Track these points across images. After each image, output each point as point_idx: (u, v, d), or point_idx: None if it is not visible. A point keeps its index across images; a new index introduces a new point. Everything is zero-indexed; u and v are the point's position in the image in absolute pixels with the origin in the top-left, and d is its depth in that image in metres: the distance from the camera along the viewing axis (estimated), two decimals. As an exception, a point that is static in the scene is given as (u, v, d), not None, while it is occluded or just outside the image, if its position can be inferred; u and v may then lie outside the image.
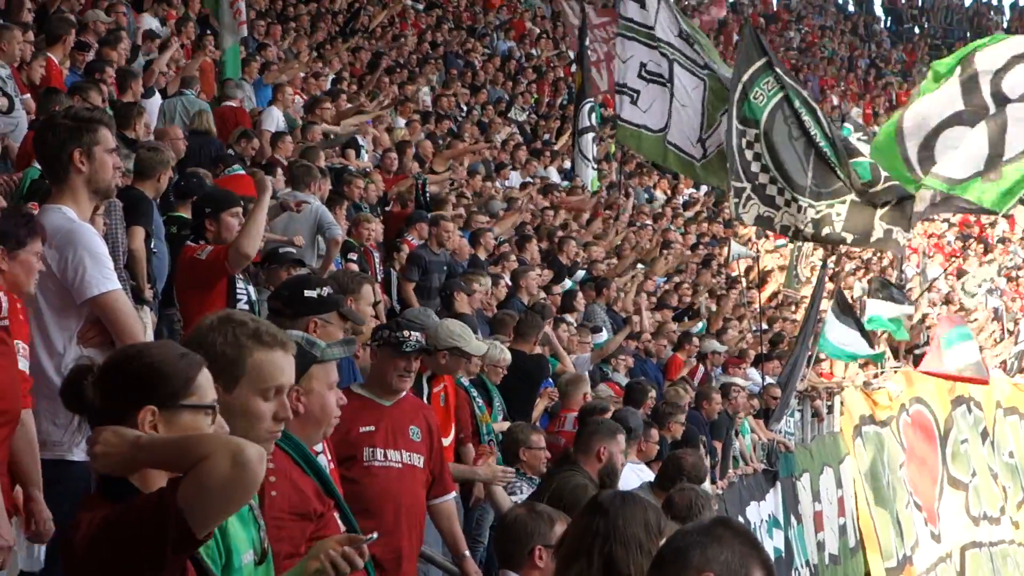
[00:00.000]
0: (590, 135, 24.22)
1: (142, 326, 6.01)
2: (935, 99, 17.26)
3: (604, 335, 16.04)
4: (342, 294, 7.29)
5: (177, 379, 3.52)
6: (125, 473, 3.46)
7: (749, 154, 17.07)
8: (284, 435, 4.84)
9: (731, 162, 17.09)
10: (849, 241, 17.41)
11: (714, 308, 22.33)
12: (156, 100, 15.29)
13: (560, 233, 19.88)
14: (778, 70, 17.19)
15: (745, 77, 17.13)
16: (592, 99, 24.18)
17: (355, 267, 12.95)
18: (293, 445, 4.88)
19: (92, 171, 5.81)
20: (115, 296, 5.80)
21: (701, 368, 17.74)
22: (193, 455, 3.29)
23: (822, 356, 22.04)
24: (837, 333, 19.83)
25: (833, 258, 27.41)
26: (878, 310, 21.60)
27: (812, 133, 16.77)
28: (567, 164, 25.96)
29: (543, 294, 15.64)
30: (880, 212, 16.64)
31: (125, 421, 3.47)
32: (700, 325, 20.62)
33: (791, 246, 25.90)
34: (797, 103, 17.02)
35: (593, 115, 24.24)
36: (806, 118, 16.91)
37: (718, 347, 18.27)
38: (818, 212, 16.80)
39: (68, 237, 5.72)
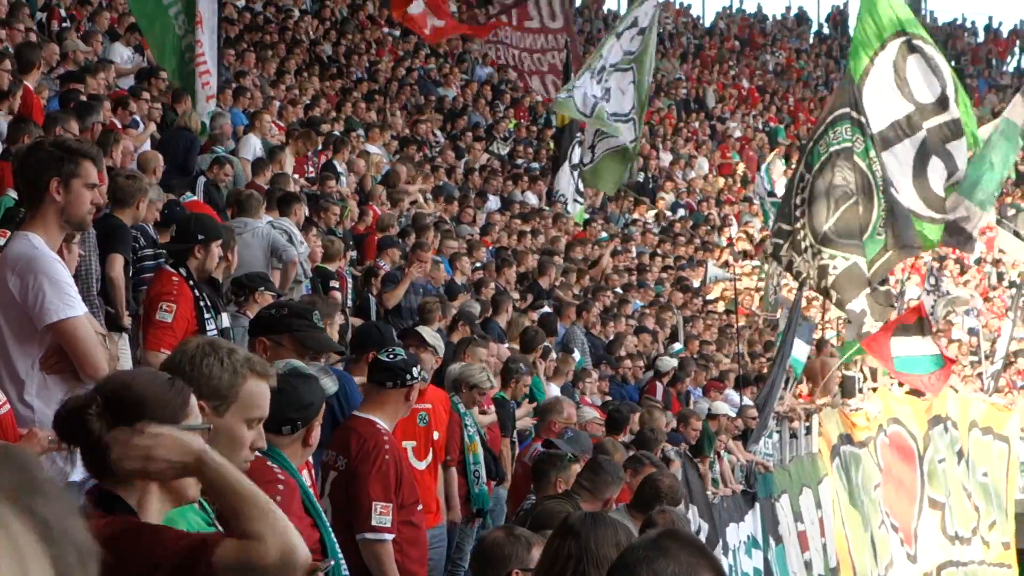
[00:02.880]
0: (577, 171, 24.28)
1: (104, 352, 5.97)
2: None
3: (577, 355, 16.05)
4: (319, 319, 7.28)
5: (175, 403, 3.58)
6: (167, 478, 3.49)
7: (798, 199, 17.40)
8: (282, 459, 5.01)
9: (784, 204, 17.47)
10: (833, 300, 17.64)
11: (694, 331, 22.41)
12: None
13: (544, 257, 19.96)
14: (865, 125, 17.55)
15: (830, 118, 17.49)
16: (581, 133, 24.16)
17: (337, 295, 13.01)
18: (292, 469, 5.03)
19: (67, 202, 5.81)
20: (75, 323, 5.78)
21: (659, 385, 17.77)
22: (246, 517, 3.31)
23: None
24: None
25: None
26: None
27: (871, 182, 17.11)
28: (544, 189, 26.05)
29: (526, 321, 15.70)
30: (867, 290, 16.96)
31: None
32: (678, 346, 20.67)
33: (766, 268, 25.99)
34: (871, 153, 17.37)
35: (579, 150, 24.32)
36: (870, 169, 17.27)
37: (672, 363, 18.29)
38: (823, 259, 17.10)
39: (29, 264, 5.72)
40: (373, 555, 6.63)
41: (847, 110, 17.89)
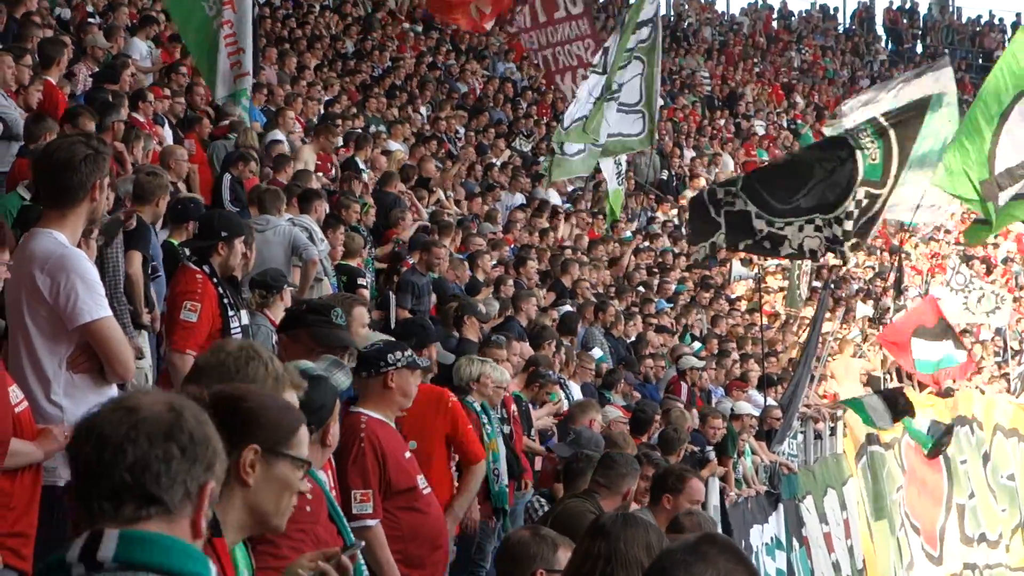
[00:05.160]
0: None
1: (132, 353, 5.94)
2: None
3: (598, 352, 15.97)
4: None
5: (284, 427, 3.55)
6: None
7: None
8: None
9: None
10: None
11: (716, 331, 22.31)
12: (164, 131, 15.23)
13: (566, 255, 19.87)
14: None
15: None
16: None
17: (365, 292, 12.96)
18: (314, 474, 5.04)
19: (101, 202, 5.84)
20: (107, 323, 5.74)
21: (683, 384, 17.67)
22: None
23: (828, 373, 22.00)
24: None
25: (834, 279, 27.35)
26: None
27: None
28: (569, 187, 25.94)
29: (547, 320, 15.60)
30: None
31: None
32: (697, 345, 20.56)
33: (791, 265, 25.85)
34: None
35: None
36: None
37: (696, 363, 18.19)
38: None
39: (60, 263, 5.65)
40: None
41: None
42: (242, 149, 15.09)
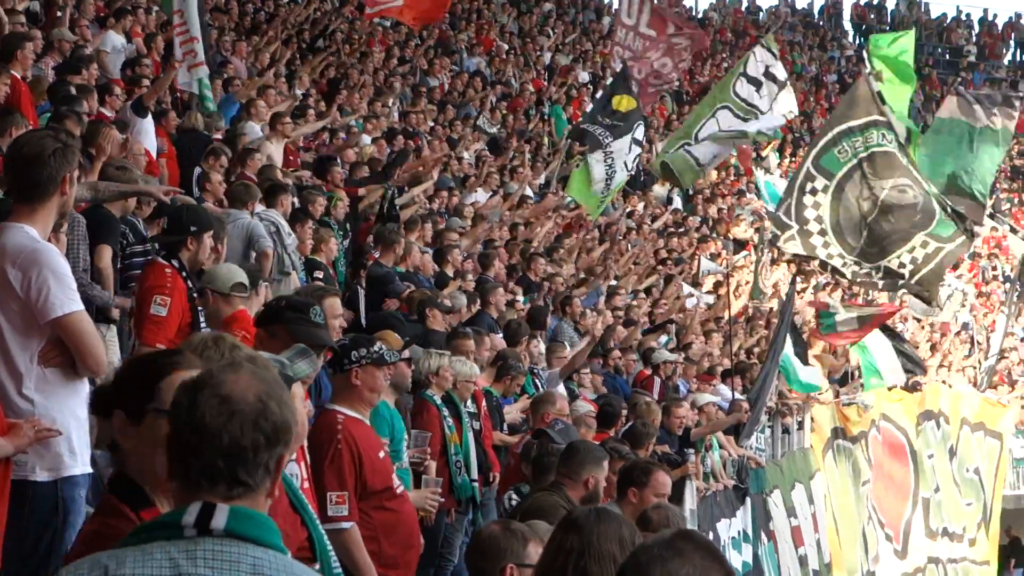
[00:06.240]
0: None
1: (104, 347, 5.92)
2: None
3: (568, 352, 15.99)
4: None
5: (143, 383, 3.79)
6: None
7: (809, 200, 17.35)
8: None
9: (787, 198, 17.42)
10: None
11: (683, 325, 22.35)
12: (148, 122, 15.09)
13: (535, 248, 19.88)
14: (880, 129, 17.46)
15: (841, 127, 17.38)
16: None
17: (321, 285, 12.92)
18: None
19: (71, 195, 5.85)
20: (78, 317, 5.73)
21: (656, 379, 17.69)
22: None
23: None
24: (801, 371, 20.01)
25: (802, 275, 27.41)
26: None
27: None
28: (539, 179, 25.93)
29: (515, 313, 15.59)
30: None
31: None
32: (665, 338, 20.59)
33: (753, 258, 25.91)
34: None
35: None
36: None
37: (668, 356, 18.21)
38: (859, 271, 17.22)
39: (32, 257, 5.65)
40: (337, 545, 6.64)
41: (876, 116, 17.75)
42: (215, 144, 15.05)
